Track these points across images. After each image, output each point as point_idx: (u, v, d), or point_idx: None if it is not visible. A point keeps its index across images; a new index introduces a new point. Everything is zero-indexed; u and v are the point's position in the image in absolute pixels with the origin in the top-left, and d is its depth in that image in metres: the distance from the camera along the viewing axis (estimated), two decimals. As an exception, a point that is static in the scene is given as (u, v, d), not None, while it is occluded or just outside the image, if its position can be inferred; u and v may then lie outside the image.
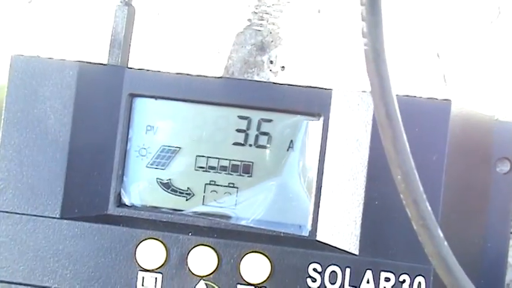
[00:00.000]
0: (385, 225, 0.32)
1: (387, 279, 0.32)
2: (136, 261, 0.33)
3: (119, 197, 0.34)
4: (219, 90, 0.34)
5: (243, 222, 0.34)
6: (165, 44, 0.42)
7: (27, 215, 0.33)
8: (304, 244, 0.33)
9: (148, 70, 0.35)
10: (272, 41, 0.42)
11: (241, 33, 0.42)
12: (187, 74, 0.34)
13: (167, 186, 0.35)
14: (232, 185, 0.34)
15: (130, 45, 0.36)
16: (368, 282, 0.32)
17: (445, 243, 0.20)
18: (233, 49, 0.42)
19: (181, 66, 0.42)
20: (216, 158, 0.34)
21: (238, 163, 0.34)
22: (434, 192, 0.32)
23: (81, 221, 0.33)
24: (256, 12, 0.42)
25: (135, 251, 0.33)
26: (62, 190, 0.33)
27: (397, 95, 0.32)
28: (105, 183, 0.34)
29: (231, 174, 0.34)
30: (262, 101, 0.34)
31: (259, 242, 0.33)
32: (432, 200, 0.31)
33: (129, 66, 0.36)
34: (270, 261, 0.32)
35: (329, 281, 0.32)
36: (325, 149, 0.33)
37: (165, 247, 0.33)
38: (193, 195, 0.35)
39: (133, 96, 0.35)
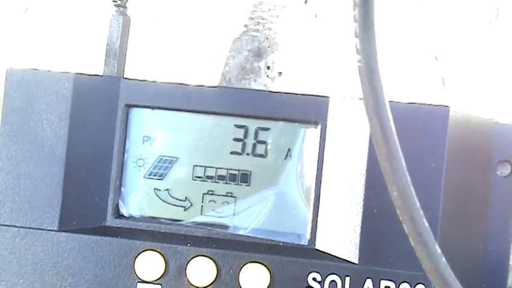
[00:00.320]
0: (385, 233, 0.32)
1: (387, 288, 0.32)
2: (135, 273, 0.33)
3: (117, 208, 0.34)
4: (216, 99, 0.34)
5: (242, 232, 0.34)
6: (161, 52, 0.42)
7: (25, 228, 0.33)
8: (304, 253, 0.33)
9: (144, 80, 0.34)
10: (269, 47, 0.42)
11: (238, 39, 0.42)
12: (184, 84, 0.34)
13: (165, 196, 0.35)
14: (230, 195, 0.34)
15: (126, 54, 0.36)
16: (368, 291, 0.32)
17: (443, 259, 0.20)
18: (230, 55, 0.42)
19: (178, 74, 0.41)
20: (214, 167, 0.34)
21: (236, 172, 0.34)
22: (433, 199, 0.32)
23: (79, 233, 0.33)
24: (252, 18, 0.42)
25: (134, 262, 0.33)
26: (59, 202, 0.33)
27: (394, 102, 0.32)
28: (103, 195, 0.34)
29: (228, 183, 0.34)
30: (259, 110, 0.34)
31: (258, 251, 0.33)
32: (432, 207, 0.32)
33: (125, 75, 0.35)
34: (269, 271, 0.32)
35: (329, 290, 0.32)
36: (323, 157, 0.33)
37: (164, 258, 0.33)
38: (192, 205, 0.34)
39: (129, 106, 0.34)
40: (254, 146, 0.34)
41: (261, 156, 0.34)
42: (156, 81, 0.34)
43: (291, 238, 0.34)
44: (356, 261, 0.32)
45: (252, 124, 0.34)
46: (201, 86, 0.34)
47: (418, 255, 0.20)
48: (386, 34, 0.40)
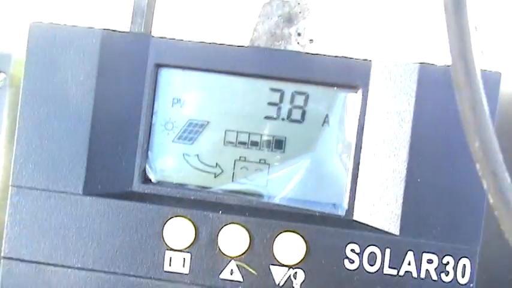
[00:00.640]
0: (429, 204, 0.30)
1: (430, 261, 0.30)
2: (164, 240, 0.31)
3: (144, 173, 0.33)
4: (250, 60, 0.32)
5: (276, 201, 0.32)
6: (189, 15, 0.40)
7: (48, 190, 0.31)
8: (341, 224, 0.31)
9: (174, 39, 0.33)
10: (300, 12, 0.40)
11: (268, 4, 0.40)
12: (216, 44, 0.32)
13: (195, 162, 0.33)
14: (263, 162, 0.33)
15: (153, 13, 0.34)
16: (409, 264, 0.30)
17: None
18: (259, 21, 0.40)
19: (205, 39, 0.40)
20: (247, 132, 0.33)
21: (270, 138, 0.33)
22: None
23: (104, 197, 0.31)
24: (283, -18, 0.40)
25: (163, 229, 0.31)
26: (84, 165, 0.31)
27: (444, 66, 0.31)
28: (130, 159, 0.32)
29: (262, 149, 0.33)
30: (295, 73, 0.32)
31: (293, 221, 0.31)
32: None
33: (153, 35, 0.34)
34: (305, 242, 0.31)
35: (368, 262, 0.30)
36: (363, 123, 0.31)
37: (194, 226, 0.31)
38: (222, 171, 0.33)
39: (159, 66, 0.33)
40: (290, 111, 0.33)
41: (297, 121, 0.33)
42: (187, 40, 0.33)
43: (327, 208, 0.32)
44: (397, 233, 0.30)
45: (288, 88, 0.32)
46: (235, 46, 0.32)
47: (497, 214, 0.18)
48: (427, 4, 0.38)
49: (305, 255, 0.31)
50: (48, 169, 0.31)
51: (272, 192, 0.32)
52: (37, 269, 0.31)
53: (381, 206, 0.31)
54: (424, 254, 0.30)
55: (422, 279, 0.30)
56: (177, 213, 0.31)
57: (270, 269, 0.31)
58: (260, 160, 0.33)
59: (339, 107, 0.32)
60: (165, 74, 0.33)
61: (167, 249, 0.31)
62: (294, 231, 0.31)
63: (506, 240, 0.32)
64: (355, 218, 0.31)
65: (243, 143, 0.33)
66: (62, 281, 0.31)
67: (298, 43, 0.40)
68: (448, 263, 0.30)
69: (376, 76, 0.31)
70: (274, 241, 0.31)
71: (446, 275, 0.30)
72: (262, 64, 0.32)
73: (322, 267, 0.30)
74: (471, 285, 0.30)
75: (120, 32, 0.32)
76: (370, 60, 0.32)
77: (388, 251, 0.30)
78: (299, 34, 0.40)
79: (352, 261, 0.30)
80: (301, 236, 0.31)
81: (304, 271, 0.31)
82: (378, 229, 0.31)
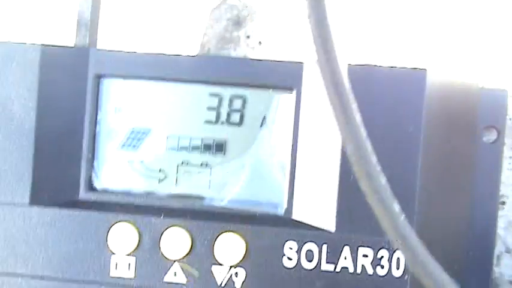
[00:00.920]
0: (362, 201, 0.31)
1: (365, 255, 0.31)
2: (109, 246, 0.32)
3: (89, 181, 0.34)
4: (188, 67, 0.33)
5: (217, 203, 0.33)
6: (138, 23, 0.41)
7: None
8: (280, 223, 0.32)
9: (113, 50, 0.33)
10: (248, 15, 0.41)
11: (216, 9, 0.41)
12: (154, 53, 0.33)
13: (139, 168, 0.34)
14: (205, 165, 0.33)
15: (97, 24, 0.35)
16: (346, 258, 0.31)
17: (402, 217, 0.19)
18: (208, 25, 0.41)
19: (155, 47, 0.40)
20: (188, 137, 0.33)
21: (211, 141, 0.33)
22: (411, 164, 0.31)
23: (51, 207, 0.32)
24: (230, -14, 0.41)
25: (107, 235, 0.32)
26: (30, 176, 0.32)
27: (373, 66, 0.31)
28: (75, 168, 0.33)
29: (203, 153, 0.33)
30: (232, 77, 0.33)
31: (233, 222, 0.32)
32: (410, 173, 0.31)
33: (98, 47, 0.35)
34: (245, 241, 0.31)
35: (306, 258, 0.31)
36: (298, 124, 0.32)
37: (138, 230, 0.32)
38: (166, 176, 0.34)
39: (100, 77, 0.34)
40: (229, 114, 0.33)
41: (236, 124, 0.33)
42: (126, 51, 0.33)
43: (267, 208, 0.33)
44: (333, 230, 0.31)
45: (226, 92, 0.33)
46: (173, 54, 0.33)
47: (376, 213, 0.19)
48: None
49: (245, 255, 0.31)
50: (-5, 182, 0.33)
51: (214, 195, 0.33)
52: (-12, 279, 0.32)
53: (318, 204, 0.31)
54: (359, 248, 0.31)
55: (358, 274, 0.31)
56: (120, 219, 0.32)
57: (211, 270, 0.32)
58: (202, 163, 0.34)
59: (275, 109, 0.33)
60: (106, 84, 0.34)
61: (112, 255, 0.32)
62: (234, 232, 0.32)
63: (441, 237, 0.33)
64: (293, 217, 0.32)
65: (185, 148, 0.34)
66: (12, 289, 0.32)
67: (247, 45, 0.41)
68: (382, 256, 0.31)
69: (308, 77, 0.32)
70: (215, 242, 0.32)
71: (382, 268, 0.31)
72: (200, 70, 0.33)
73: (262, 266, 0.31)
74: (406, 277, 0.31)
75: (59, 46, 0.33)
76: (302, 62, 0.32)
77: (325, 247, 0.31)
78: (248, 37, 0.41)
79: (290, 259, 0.31)
80: (241, 236, 0.31)
81: (245, 270, 0.32)
82: (314, 227, 0.31)
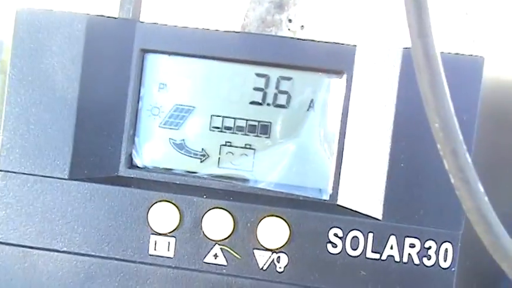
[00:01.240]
0: (411, 189, 0.30)
1: (412, 245, 0.30)
2: (149, 225, 0.31)
3: (130, 158, 0.33)
4: (236, 45, 0.32)
5: (261, 185, 0.32)
6: (179, 2, 0.40)
7: (34, 175, 0.32)
8: (325, 208, 0.31)
9: (161, 24, 0.33)
10: (290, -1, 0.40)
11: (258, -10, 0.40)
12: (203, 29, 0.32)
13: (181, 147, 0.33)
14: (249, 147, 0.33)
15: (141, -1, 0.35)
16: (392, 248, 0.30)
17: (486, 198, 0.18)
18: (250, 7, 0.40)
19: (197, 25, 0.40)
20: (232, 117, 0.33)
21: (256, 123, 0.33)
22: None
23: (90, 182, 0.32)
24: (274, -32, 0.40)
25: (148, 213, 0.31)
26: (70, 150, 0.32)
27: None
28: (116, 144, 0.32)
29: (247, 134, 0.33)
30: (281, 58, 0.32)
31: (277, 205, 0.31)
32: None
33: (140, 21, 0.34)
34: (289, 226, 0.31)
35: (351, 246, 0.30)
36: (348, 108, 0.31)
37: (179, 210, 0.31)
38: (208, 156, 0.33)
39: (145, 51, 0.33)
40: (275, 96, 0.33)
41: (282, 106, 0.33)
42: (173, 26, 0.33)
43: (311, 193, 0.32)
44: (380, 217, 0.30)
45: (274, 73, 0.32)
46: (222, 31, 0.32)
47: (458, 194, 0.18)
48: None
49: (288, 240, 0.31)
50: (34, 154, 0.32)
51: (257, 177, 0.33)
52: (24, 253, 0.32)
53: (365, 190, 0.31)
54: (406, 238, 0.30)
55: (404, 263, 0.30)
56: (162, 198, 0.31)
57: (253, 253, 0.31)
58: (246, 145, 0.33)
59: (324, 92, 0.32)
60: (151, 59, 0.33)
61: (152, 233, 0.31)
62: (277, 216, 0.31)
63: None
64: (339, 202, 0.31)
65: (229, 128, 0.33)
66: (48, 264, 0.32)
67: (289, 29, 0.40)
68: (430, 247, 0.30)
69: (360, 61, 0.31)
70: (258, 225, 0.31)
71: (429, 259, 0.30)
72: (248, 49, 0.32)
73: (305, 251, 0.31)
74: (453, 269, 0.30)
75: (105, 17, 0.32)
76: (354, 45, 0.31)
77: (371, 235, 0.30)
78: (290, 20, 0.40)
79: (335, 246, 0.31)
80: (284, 220, 0.31)
81: (287, 255, 0.31)
82: (361, 213, 0.31)
